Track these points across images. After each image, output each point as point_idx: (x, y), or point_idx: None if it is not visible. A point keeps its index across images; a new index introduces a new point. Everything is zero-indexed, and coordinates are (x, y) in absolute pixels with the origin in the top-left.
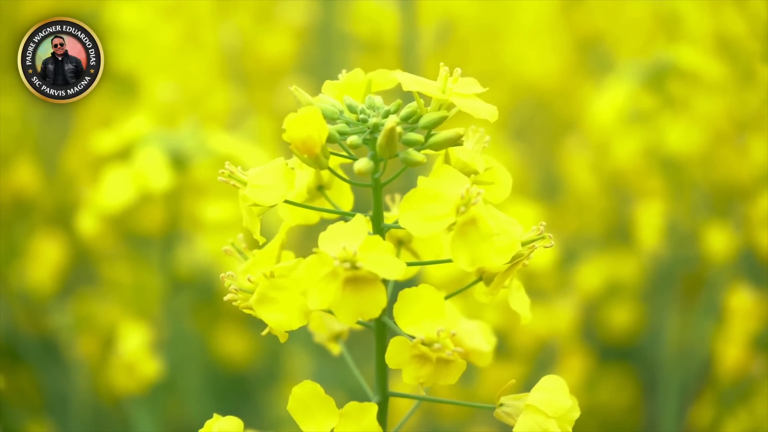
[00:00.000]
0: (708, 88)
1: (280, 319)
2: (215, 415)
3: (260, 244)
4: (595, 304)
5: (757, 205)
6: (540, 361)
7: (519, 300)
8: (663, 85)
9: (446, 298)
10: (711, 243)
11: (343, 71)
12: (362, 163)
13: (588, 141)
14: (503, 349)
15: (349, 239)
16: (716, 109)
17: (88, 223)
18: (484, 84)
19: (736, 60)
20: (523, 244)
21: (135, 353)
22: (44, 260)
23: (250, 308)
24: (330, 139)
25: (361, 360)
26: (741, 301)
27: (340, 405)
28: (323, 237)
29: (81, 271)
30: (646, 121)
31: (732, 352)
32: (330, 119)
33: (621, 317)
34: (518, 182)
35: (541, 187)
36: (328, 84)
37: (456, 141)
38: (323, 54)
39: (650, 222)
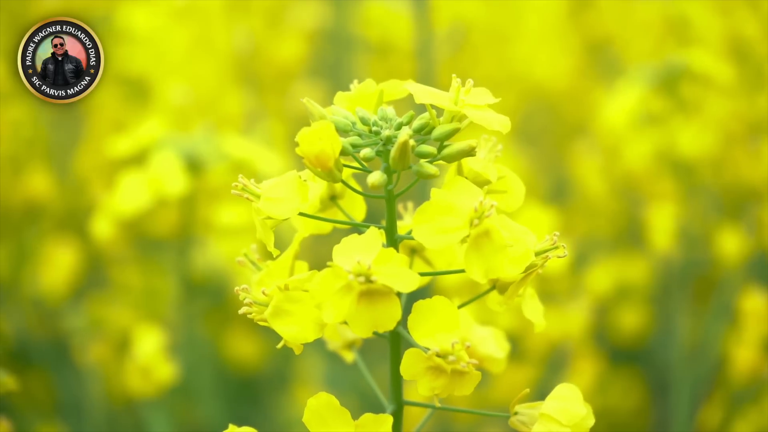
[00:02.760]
0: (719, 91)
1: (295, 331)
2: (231, 426)
3: (274, 256)
4: (605, 306)
5: None
6: (552, 364)
7: (533, 308)
8: (674, 88)
9: (461, 306)
10: (723, 245)
11: (355, 81)
12: (375, 177)
13: (598, 144)
14: (516, 352)
15: (364, 252)
16: (728, 111)
17: (103, 228)
18: (494, 88)
19: (747, 63)
20: (537, 254)
21: (151, 357)
22: (57, 264)
23: (265, 321)
24: (343, 152)
25: (374, 363)
26: (754, 304)
27: (352, 408)
28: (337, 250)
29: (93, 275)
30: (657, 124)
31: (744, 354)
32: (343, 132)
33: (631, 320)
34: (528, 186)
35: (551, 190)
36: (340, 95)
37: (469, 153)
38: (334, 57)
39: (662, 225)
